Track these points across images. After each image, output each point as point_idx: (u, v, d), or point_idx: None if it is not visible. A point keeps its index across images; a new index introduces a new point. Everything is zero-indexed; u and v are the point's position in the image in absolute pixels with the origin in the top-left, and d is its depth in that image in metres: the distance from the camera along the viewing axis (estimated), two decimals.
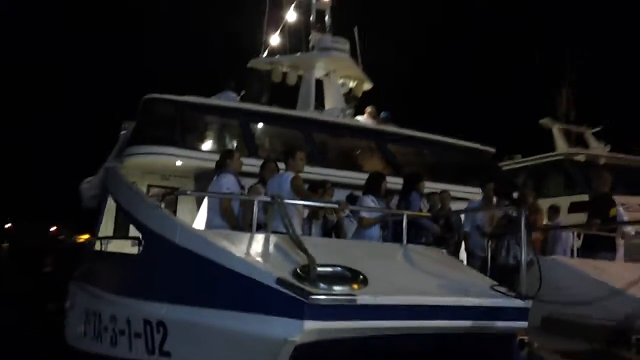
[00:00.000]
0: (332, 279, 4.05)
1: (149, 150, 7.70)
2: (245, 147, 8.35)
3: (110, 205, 8.18)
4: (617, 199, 13.55)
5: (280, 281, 3.88)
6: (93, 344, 5.64)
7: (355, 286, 4.04)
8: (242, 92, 10.07)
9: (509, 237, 6.70)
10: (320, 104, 10.82)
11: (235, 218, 6.03)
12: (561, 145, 16.30)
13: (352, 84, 10.97)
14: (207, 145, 8.30)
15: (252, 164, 7.72)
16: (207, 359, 4.23)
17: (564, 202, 12.64)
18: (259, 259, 4.31)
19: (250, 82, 10.64)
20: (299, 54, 11.31)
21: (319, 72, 10.58)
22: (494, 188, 8.02)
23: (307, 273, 4.04)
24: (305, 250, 4.28)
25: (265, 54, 13.09)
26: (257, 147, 8.31)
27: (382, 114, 10.73)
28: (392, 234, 6.71)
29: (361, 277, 4.13)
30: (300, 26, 11.90)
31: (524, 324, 4.45)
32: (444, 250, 6.00)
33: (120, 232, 8.65)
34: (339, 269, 4.20)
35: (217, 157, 7.79)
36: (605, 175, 7.11)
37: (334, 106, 10.22)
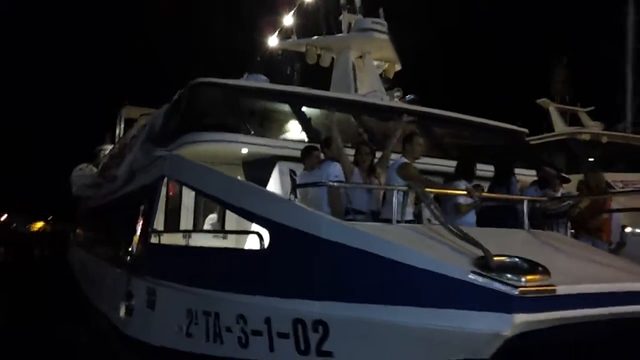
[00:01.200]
0: (514, 269, 3.91)
1: (214, 138, 7.28)
2: (304, 132, 8.09)
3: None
4: (619, 176, 13.92)
5: (477, 275, 3.74)
6: (205, 345, 5.33)
7: (539, 277, 3.92)
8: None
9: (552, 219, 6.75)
10: None
11: (340, 207, 5.83)
12: (559, 125, 16.71)
13: (385, 66, 10.80)
14: (268, 131, 7.94)
15: None
16: (385, 356, 4.05)
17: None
18: (432, 252, 4.13)
19: (281, 64, 10.32)
20: (322, 35, 11.06)
21: (353, 54, 10.33)
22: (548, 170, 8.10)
23: (486, 265, 3.89)
24: (475, 242, 4.13)
25: (277, 35, 12.80)
26: (317, 132, 8.03)
27: (409, 97, 10.63)
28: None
29: (540, 267, 4.01)
30: (320, 7, 11.61)
31: None
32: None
33: (172, 225, 8.30)
34: (516, 259, 4.06)
35: (280, 143, 7.62)
36: None
37: (369, 88, 10.00)
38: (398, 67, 11.04)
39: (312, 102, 8.39)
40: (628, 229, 7.03)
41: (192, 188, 6.86)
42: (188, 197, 8.52)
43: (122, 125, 15.40)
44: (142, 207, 8.20)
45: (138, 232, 7.85)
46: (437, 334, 3.79)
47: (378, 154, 6.59)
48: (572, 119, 17.43)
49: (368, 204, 5.86)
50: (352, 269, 4.24)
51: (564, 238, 5.59)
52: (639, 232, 6.90)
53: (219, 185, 5.87)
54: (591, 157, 14.36)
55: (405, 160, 5.75)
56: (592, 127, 16.34)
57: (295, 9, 12.41)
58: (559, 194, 7.08)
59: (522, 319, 3.60)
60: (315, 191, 5.83)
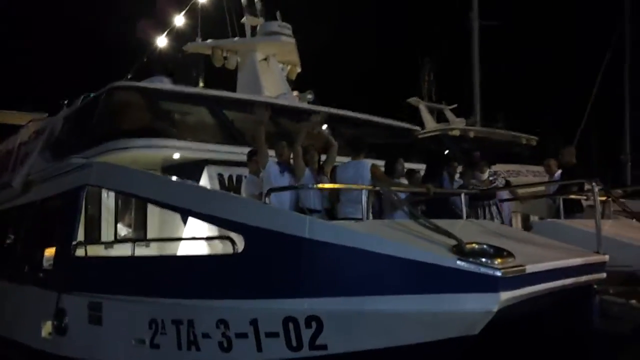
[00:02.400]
0: (485, 254, 4.45)
1: (146, 144, 7.17)
2: (226, 135, 8.19)
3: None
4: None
5: (463, 261, 4.22)
6: (177, 354, 5.29)
7: (506, 259, 4.49)
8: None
9: (484, 201, 7.71)
10: None
11: None
12: (429, 121, 18.18)
13: (288, 68, 11.11)
14: (191, 135, 7.89)
15: (234, 152, 7.70)
16: (381, 342, 4.39)
17: None
18: (415, 244, 4.54)
19: (186, 66, 10.25)
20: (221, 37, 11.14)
21: (257, 56, 10.52)
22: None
23: (462, 252, 4.40)
24: (447, 232, 4.64)
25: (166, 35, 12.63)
26: (241, 134, 8.17)
27: (308, 97, 11.09)
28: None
29: (505, 251, 4.60)
30: (224, 9, 11.62)
31: (603, 275, 5.37)
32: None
33: (92, 235, 7.95)
34: (484, 245, 4.60)
35: (210, 147, 7.66)
36: (571, 148, 8.36)
37: (277, 90, 10.27)
38: (299, 69, 11.43)
39: (229, 104, 8.51)
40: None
41: (136, 197, 6.66)
42: (107, 207, 8.21)
43: None
44: (58, 219, 7.73)
45: (59, 246, 7.39)
46: (433, 317, 4.22)
47: None
48: (439, 116, 19.06)
49: (322, 203, 6.18)
50: (343, 265, 4.51)
51: (496, 225, 6.34)
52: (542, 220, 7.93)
53: (179, 193, 5.78)
54: (462, 150, 15.88)
55: (371, 161, 6.18)
56: (457, 123, 18.00)
57: (186, 10, 12.30)
58: (485, 175, 7.92)
59: (506, 296, 4.15)
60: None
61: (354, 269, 4.49)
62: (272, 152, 6.85)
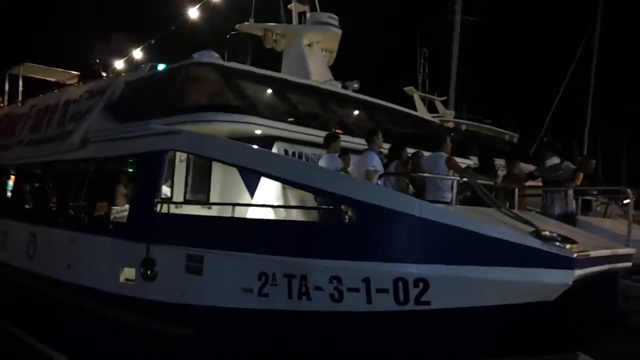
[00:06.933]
0: (557, 240, 5.70)
1: (231, 119, 7.99)
2: (291, 115, 9.09)
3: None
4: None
5: (545, 244, 5.45)
6: (287, 302, 6.28)
7: (573, 245, 5.73)
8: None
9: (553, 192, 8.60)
10: None
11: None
12: (422, 110, 19.43)
13: (328, 56, 12.03)
14: (266, 113, 8.70)
15: (298, 131, 8.66)
16: (476, 302, 5.57)
17: None
18: (504, 227, 5.73)
19: (237, 45, 11.04)
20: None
21: (304, 42, 11.39)
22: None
23: (540, 237, 5.64)
24: (525, 219, 5.88)
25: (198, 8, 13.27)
26: (303, 115, 9.10)
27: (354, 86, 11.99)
28: None
29: (571, 239, 5.85)
30: None
31: (629, 264, 6.73)
32: None
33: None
34: (554, 233, 5.85)
35: (285, 126, 8.57)
36: (591, 160, 9.56)
37: (320, 76, 11.18)
38: (334, 57, 12.37)
39: (298, 89, 9.43)
40: None
41: (238, 167, 7.45)
42: (179, 172, 8.99)
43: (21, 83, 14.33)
44: (141, 178, 8.50)
45: (144, 202, 8.13)
46: (520, 285, 5.43)
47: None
48: (430, 106, 20.39)
49: None
50: (448, 239, 5.64)
51: (543, 217, 7.60)
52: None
53: (294, 169, 6.68)
54: (454, 142, 17.21)
55: (446, 154, 7.34)
56: (448, 115, 19.40)
57: None
58: (551, 162, 8.77)
59: (578, 273, 5.42)
60: None
61: (457, 244, 5.63)
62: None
